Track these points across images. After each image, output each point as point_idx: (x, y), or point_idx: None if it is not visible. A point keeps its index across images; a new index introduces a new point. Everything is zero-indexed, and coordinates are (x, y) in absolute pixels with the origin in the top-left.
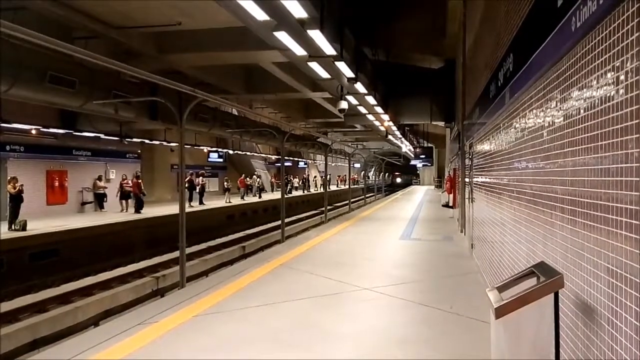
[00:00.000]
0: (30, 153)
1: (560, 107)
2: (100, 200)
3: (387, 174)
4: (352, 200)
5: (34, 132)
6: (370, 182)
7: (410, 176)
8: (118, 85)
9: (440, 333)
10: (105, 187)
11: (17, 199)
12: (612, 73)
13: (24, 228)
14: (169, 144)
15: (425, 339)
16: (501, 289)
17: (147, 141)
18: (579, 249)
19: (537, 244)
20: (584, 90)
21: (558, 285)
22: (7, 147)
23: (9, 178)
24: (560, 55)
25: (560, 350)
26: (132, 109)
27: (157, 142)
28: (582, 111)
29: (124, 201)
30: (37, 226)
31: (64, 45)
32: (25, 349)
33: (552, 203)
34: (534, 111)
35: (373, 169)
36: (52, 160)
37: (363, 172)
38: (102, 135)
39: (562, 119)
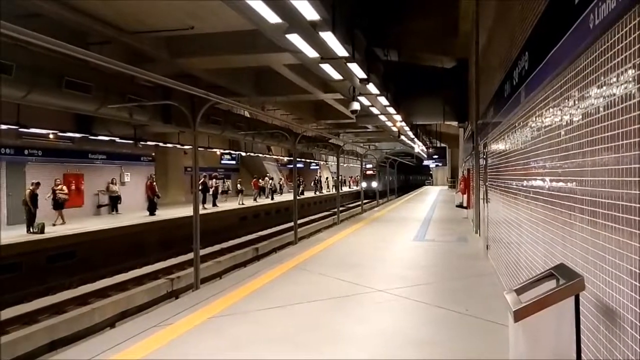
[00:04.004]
0: (48, 157)
1: (578, 106)
2: (114, 202)
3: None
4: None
5: (51, 136)
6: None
7: (424, 177)
8: (132, 90)
9: (455, 335)
10: (117, 191)
11: (32, 202)
12: (633, 71)
13: (42, 231)
14: (182, 147)
15: (441, 341)
16: (519, 291)
17: (161, 144)
18: (599, 251)
19: (555, 246)
20: (603, 88)
21: (579, 287)
22: (26, 152)
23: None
24: (577, 53)
25: (582, 355)
26: (146, 113)
27: (170, 145)
28: (601, 110)
29: (57, 212)
30: (54, 229)
31: (79, 51)
32: (44, 350)
33: (571, 204)
34: (551, 110)
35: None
36: (69, 164)
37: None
38: (117, 139)
39: (580, 117)
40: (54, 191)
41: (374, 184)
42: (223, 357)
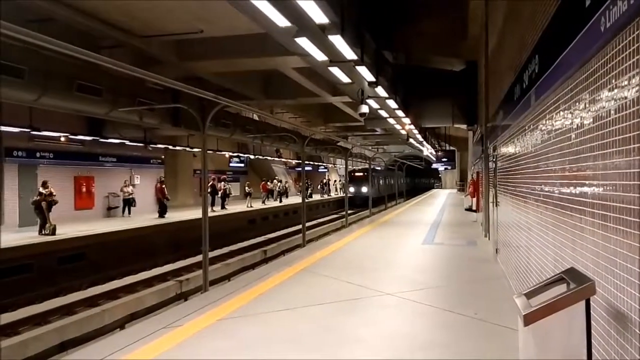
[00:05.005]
0: (59, 160)
1: (589, 109)
2: (127, 205)
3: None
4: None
5: (62, 139)
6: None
7: (432, 180)
8: (142, 93)
9: (464, 339)
10: (132, 193)
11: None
12: None
13: (53, 232)
14: (191, 150)
15: (449, 344)
16: (529, 295)
17: (170, 147)
18: (611, 255)
19: (565, 249)
20: (615, 91)
21: (589, 292)
22: (38, 154)
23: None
24: (589, 56)
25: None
26: (156, 116)
27: (180, 148)
28: (612, 113)
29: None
30: (65, 231)
31: (90, 55)
32: (55, 351)
33: (582, 207)
34: (562, 113)
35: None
36: (79, 166)
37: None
38: (127, 142)
39: (591, 120)
40: (41, 194)
41: (364, 190)
42: (232, 358)
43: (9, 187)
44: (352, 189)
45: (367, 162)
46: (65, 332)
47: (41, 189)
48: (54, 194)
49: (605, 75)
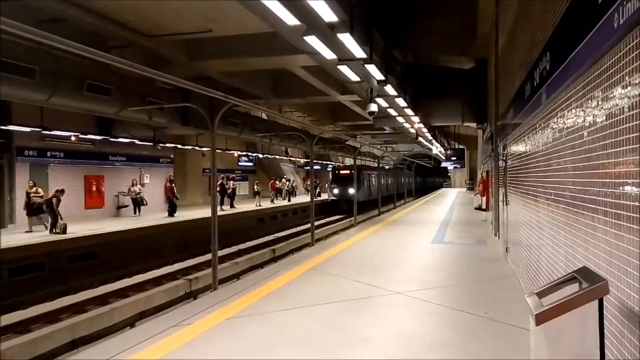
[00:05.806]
0: (70, 159)
1: (602, 107)
2: (136, 204)
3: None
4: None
5: (73, 138)
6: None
7: (441, 179)
8: (152, 92)
9: (474, 339)
10: (140, 192)
11: (56, 207)
12: None
13: (64, 231)
14: (200, 149)
15: (459, 344)
16: (541, 294)
17: (179, 146)
18: (624, 254)
19: (577, 248)
20: (629, 88)
21: (602, 291)
22: (48, 154)
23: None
24: (601, 53)
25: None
26: (166, 115)
27: (189, 147)
28: (626, 110)
29: (33, 218)
30: (75, 229)
31: (101, 55)
32: (65, 349)
33: (594, 206)
34: (574, 111)
35: None
36: (89, 165)
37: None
38: (136, 141)
39: (604, 118)
40: (28, 195)
41: (351, 191)
42: (241, 357)
43: (21, 185)
44: (336, 191)
45: (376, 160)
46: (76, 330)
47: (28, 189)
48: (41, 193)
49: (619, 72)
